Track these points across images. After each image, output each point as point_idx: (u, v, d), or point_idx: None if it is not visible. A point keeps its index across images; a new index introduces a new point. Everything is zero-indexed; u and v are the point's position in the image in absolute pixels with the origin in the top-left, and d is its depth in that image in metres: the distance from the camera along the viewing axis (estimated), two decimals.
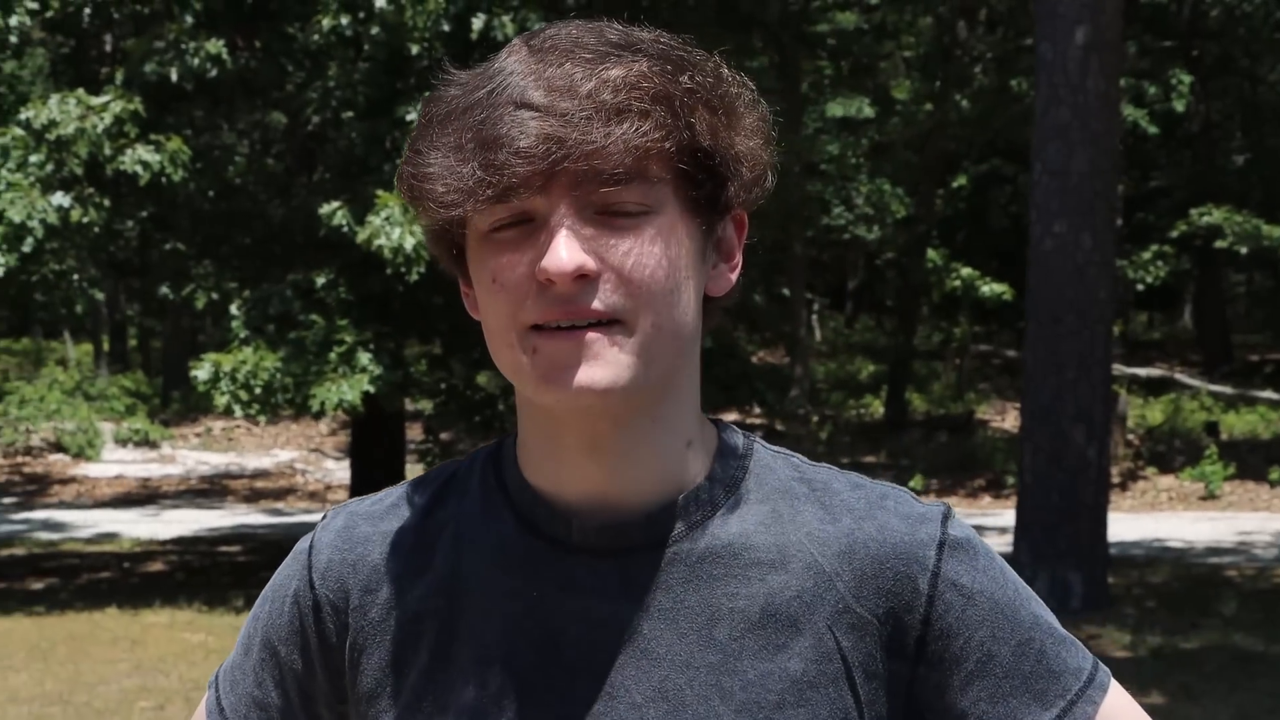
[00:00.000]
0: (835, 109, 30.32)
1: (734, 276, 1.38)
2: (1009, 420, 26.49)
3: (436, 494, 1.43)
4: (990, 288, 25.42)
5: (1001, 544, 14.31)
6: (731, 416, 23.80)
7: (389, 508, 1.44)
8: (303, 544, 1.46)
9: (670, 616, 1.32)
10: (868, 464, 24.95)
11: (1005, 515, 15.47)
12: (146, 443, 28.57)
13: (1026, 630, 1.35)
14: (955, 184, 30.82)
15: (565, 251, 1.23)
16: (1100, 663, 1.38)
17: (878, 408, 29.51)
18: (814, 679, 1.31)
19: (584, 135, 1.22)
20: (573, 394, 1.26)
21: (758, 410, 16.20)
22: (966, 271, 25.83)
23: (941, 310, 32.88)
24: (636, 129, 1.23)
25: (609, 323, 1.26)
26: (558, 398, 1.27)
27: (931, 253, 27.32)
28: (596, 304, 1.25)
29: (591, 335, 1.25)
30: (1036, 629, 1.35)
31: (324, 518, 1.47)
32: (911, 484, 21.98)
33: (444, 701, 1.35)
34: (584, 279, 1.24)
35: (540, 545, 1.36)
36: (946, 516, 1.37)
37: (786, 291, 28.61)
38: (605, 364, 1.25)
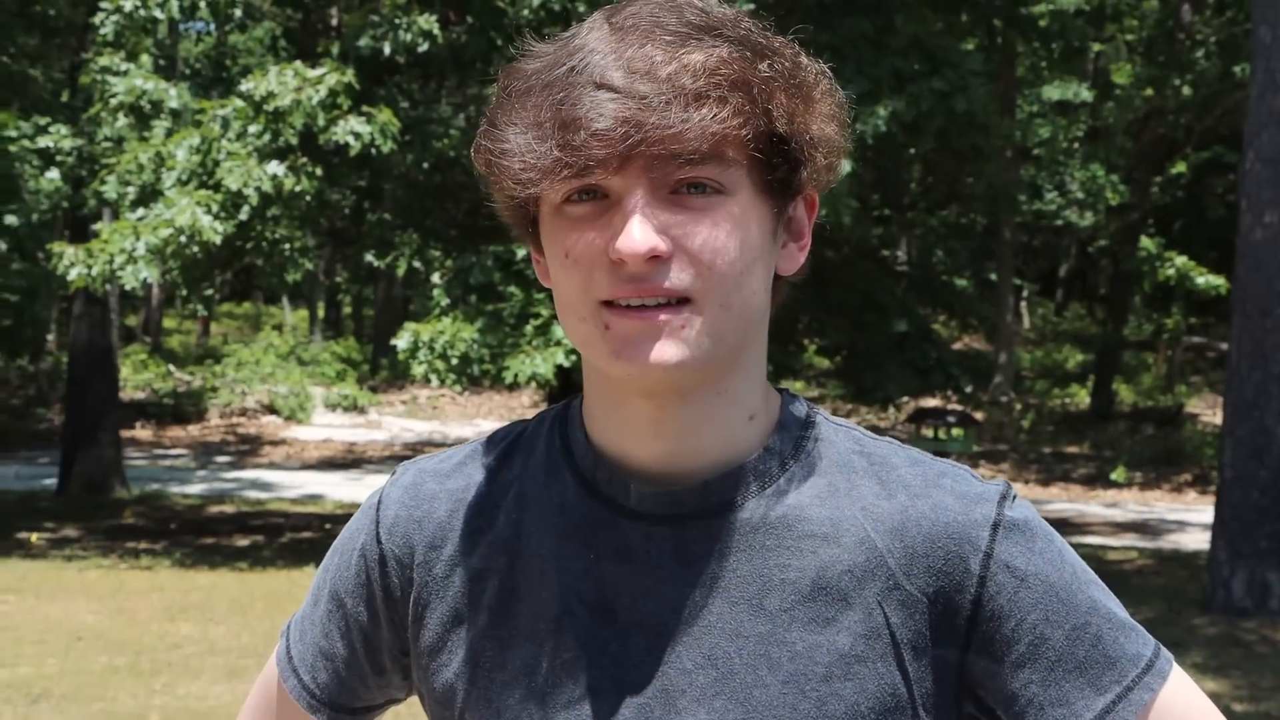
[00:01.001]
0: (1051, 92, 29.79)
1: (803, 256, 1.40)
2: (1220, 415, 25.79)
3: (503, 454, 1.46)
4: (1206, 279, 24.77)
5: (1203, 542, 13.97)
6: (931, 403, 23.59)
7: (456, 466, 1.47)
8: (371, 499, 1.50)
9: (722, 585, 1.33)
10: (1070, 454, 24.52)
11: (1209, 512, 15.08)
12: (355, 408, 29.24)
13: (1083, 615, 1.32)
14: (1174, 171, 30.06)
15: (639, 233, 1.25)
16: (1164, 650, 1.35)
17: (1084, 398, 29.00)
18: (862, 654, 1.31)
19: (662, 119, 1.23)
20: (643, 369, 1.28)
21: (953, 396, 15.99)
22: (1181, 261, 25.21)
23: (1154, 300, 32.13)
24: (714, 115, 1.24)
25: (680, 302, 1.27)
26: (629, 372, 1.29)
27: (1145, 241, 26.72)
28: (668, 283, 1.26)
29: (664, 316, 1.27)
30: (1094, 614, 1.33)
31: (394, 474, 1.50)
32: (1114, 476, 21.58)
33: (502, 658, 1.38)
34: (656, 260, 1.26)
35: (599, 508, 1.38)
36: (1004, 497, 1.35)
37: (994, 277, 28.24)
38: (676, 342, 1.27)
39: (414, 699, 1.54)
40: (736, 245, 1.29)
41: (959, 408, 17.69)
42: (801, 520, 1.35)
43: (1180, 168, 30.21)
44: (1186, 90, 25.59)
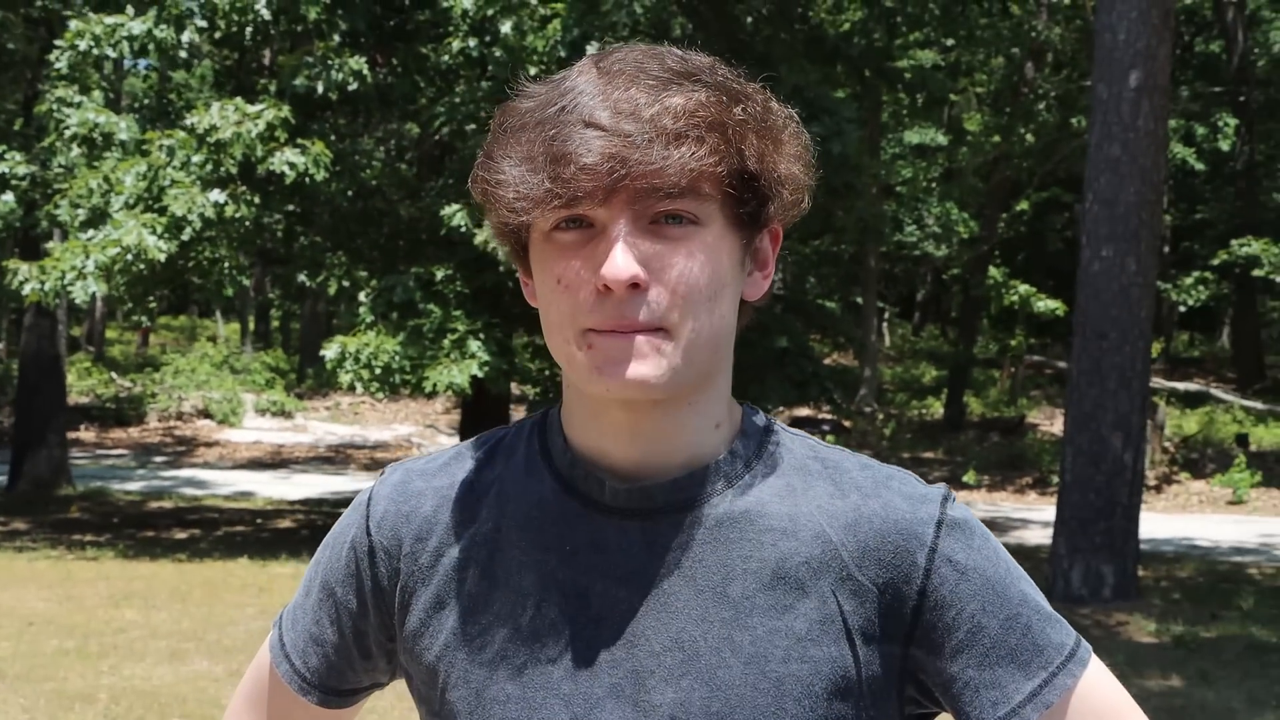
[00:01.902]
0: (912, 136, 30.15)
1: (767, 283, 1.39)
2: (1056, 425, 26.19)
3: (485, 456, 1.44)
4: (1045, 304, 25.12)
5: (1043, 537, 14.18)
6: (803, 412, 23.75)
7: (442, 466, 1.45)
8: (362, 496, 1.47)
9: (689, 574, 1.32)
10: (926, 459, 24.78)
11: (1048, 511, 15.30)
12: (282, 413, 28.92)
13: (1015, 606, 1.33)
14: (1018, 209, 30.51)
15: (622, 260, 1.24)
16: (1084, 640, 1.35)
17: (938, 409, 29.31)
18: (817, 637, 1.30)
19: (645, 156, 1.22)
20: (621, 385, 1.27)
21: (826, 407, 16.09)
22: (1024, 288, 25.54)
23: (1000, 323, 32.57)
24: (693, 153, 1.24)
25: (656, 329, 1.27)
26: (608, 387, 1.28)
27: (993, 270, 27.07)
28: (645, 315, 1.26)
29: (641, 338, 1.26)
30: (1024, 605, 1.33)
31: (383, 473, 1.48)
32: (965, 479, 21.83)
33: (481, 641, 1.36)
34: (635, 288, 1.25)
35: (575, 505, 1.36)
36: (946, 498, 1.35)
37: (860, 300, 28.50)
38: (652, 363, 1.26)
39: (396, 684, 1.51)
40: (708, 274, 1.28)
41: (830, 417, 17.82)
42: (763, 515, 1.34)
43: (1023, 206, 30.70)
44: (1030, 138, 26.01)
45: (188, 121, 13.03)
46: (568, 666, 1.33)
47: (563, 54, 13.24)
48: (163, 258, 12.54)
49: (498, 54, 13.53)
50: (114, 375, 31.11)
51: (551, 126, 1.25)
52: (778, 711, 1.29)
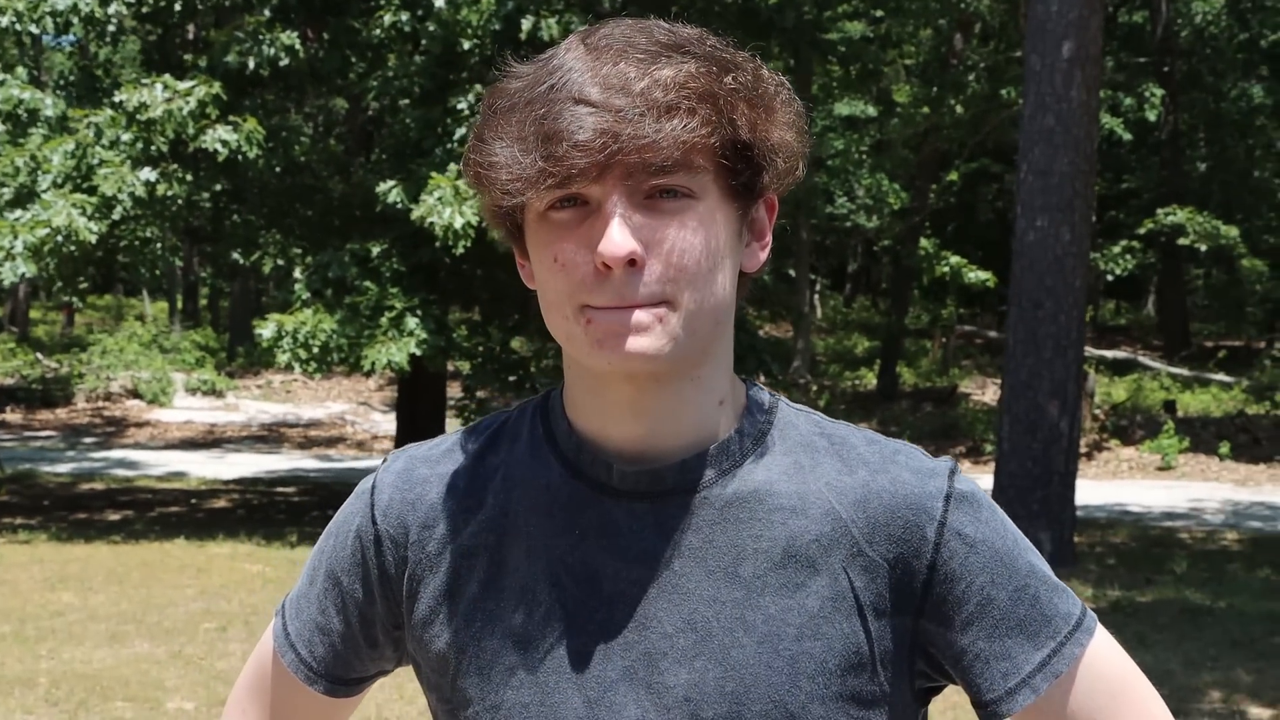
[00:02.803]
0: (842, 108, 30.23)
1: (764, 254, 1.38)
2: (988, 394, 26.45)
3: (489, 441, 1.44)
4: (975, 274, 25.28)
5: None
6: None
7: (445, 452, 1.44)
8: (365, 484, 1.46)
9: (700, 555, 1.32)
10: None
11: (983, 479, 15.43)
12: (213, 392, 28.63)
13: (1023, 577, 1.34)
14: (948, 180, 30.69)
15: (619, 236, 1.23)
16: (1089, 609, 1.37)
17: (871, 379, 29.47)
18: (829, 615, 1.31)
19: (637, 130, 1.21)
20: (622, 358, 1.26)
21: (763, 379, 16.15)
22: (955, 259, 25.71)
23: (931, 293, 32.80)
24: (685, 125, 1.23)
25: (657, 303, 1.26)
26: (609, 361, 1.27)
27: (924, 241, 27.22)
28: (644, 291, 1.25)
29: (640, 311, 1.25)
30: (1032, 576, 1.34)
31: (385, 461, 1.47)
32: None
33: (492, 627, 1.36)
34: (633, 264, 1.25)
35: (583, 488, 1.36)
36: (953, 472, 1.36)
37: (793, 272, 28.58)
38: (653, 335, 1.26)
39: (399, 671, 1.50)
40: (704, 246, 1.27)
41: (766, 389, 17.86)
42: (771, 495, 1.34)
43: (953, 177, 30.86)
44: (959, 109, 26.15)
45: (116, 99, 12.83)
46: (580, 650, 1.32)
47: (496, 27, 13.16)
48: (93, 239, 12.36)
49: (431, 28, 13.42)
50: (39, 356, 30.68)
51: (541, 105, 1.24)
52: (792, 689, 1.30)
